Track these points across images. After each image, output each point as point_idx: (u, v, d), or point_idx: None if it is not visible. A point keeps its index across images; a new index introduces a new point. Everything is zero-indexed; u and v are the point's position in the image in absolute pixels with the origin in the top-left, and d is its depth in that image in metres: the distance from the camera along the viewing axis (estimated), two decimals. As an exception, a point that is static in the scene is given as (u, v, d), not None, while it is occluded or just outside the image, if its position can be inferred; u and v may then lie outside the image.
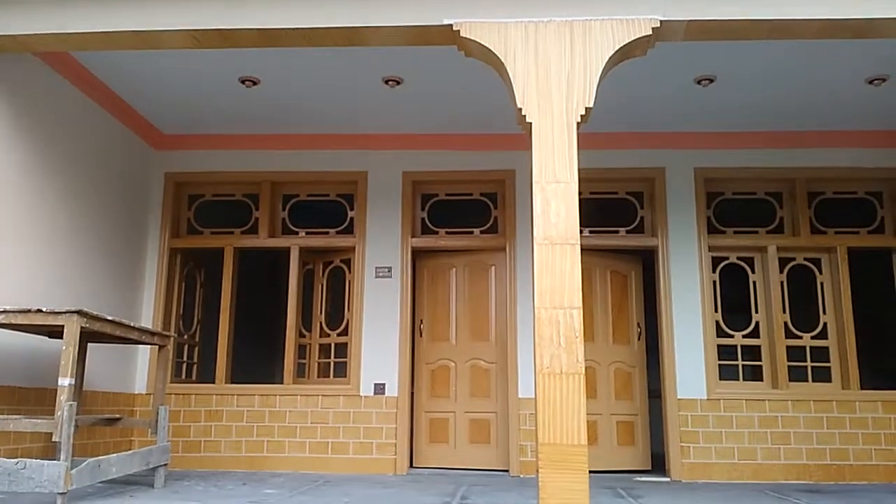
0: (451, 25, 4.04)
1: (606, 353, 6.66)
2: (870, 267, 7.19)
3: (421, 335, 6.83)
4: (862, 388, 6.31)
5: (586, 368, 6.50)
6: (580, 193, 6.72)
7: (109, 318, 4.31)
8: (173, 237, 6.90)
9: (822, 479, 6.05)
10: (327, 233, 6.92)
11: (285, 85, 5.93)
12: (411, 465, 6.52)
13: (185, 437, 6.44)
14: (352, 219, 6.89)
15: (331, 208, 7.05)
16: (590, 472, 6.11)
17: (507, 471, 6.33)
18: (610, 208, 6.87)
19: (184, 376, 6.98)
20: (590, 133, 6.52)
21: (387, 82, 5.84)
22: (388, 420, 6.37)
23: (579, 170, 6.51)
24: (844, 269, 6.48)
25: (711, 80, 5.73)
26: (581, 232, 6.67)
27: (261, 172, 6.92)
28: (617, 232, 6.75)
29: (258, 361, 8.44)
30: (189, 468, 6.28)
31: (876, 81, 5.69)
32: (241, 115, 6.51)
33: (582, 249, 6.59)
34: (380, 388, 6.42)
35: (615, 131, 6.71)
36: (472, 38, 4.03)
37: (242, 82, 5.88)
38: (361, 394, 6.43)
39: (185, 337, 7.08)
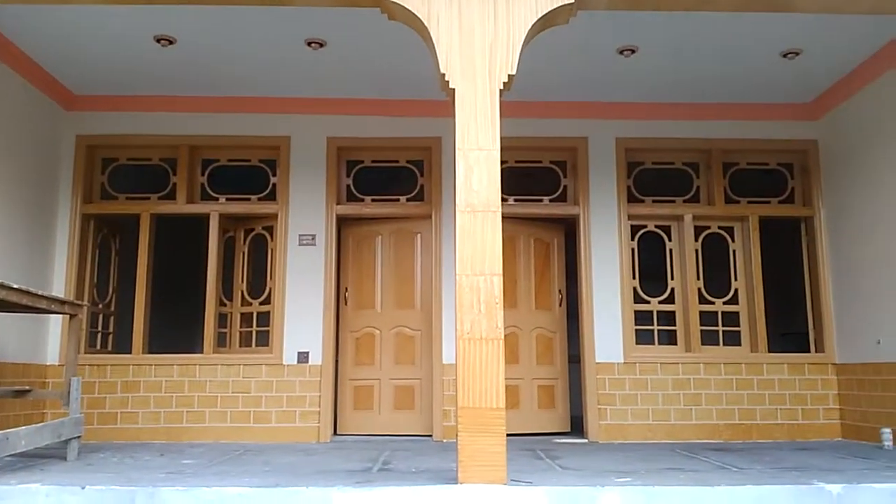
0: (374, -13, 3.97)
1: (529, 318, 6.78)
2: (780, 235, 7.49)
3: (346, 303, 6.79)
4: (769, 352, 6.62)
5: (509, 334, 6.61)
6: (505, 162, 6.77)
7: (15, 286, 4.12)
8: (86, 203, 6.63)
9: (731, 438, 6.35)
10: (249, 199, 6.77)
11: (203, 45, 5.72)
12: (335, 433, 6.52)
13: (101, 409, 6.26)
14: (274, 185, 6.75)
15: (252, 174, 6.89)
16: (511, 434, 6.23)
17: (430, 436, 6.40)
18: (534, 177, 6.94)
19: (99, 346, 6.76)
20: (515, 101, 6.52)
21: (310, 44, 5.71)
22: (311, 388, 6.34)
23: (504, 138, 6.54)
24: (755, 237, 6.75)
25: (633, 51, 5.82)
26: (506, 200, 6.70)
27: (178, 136, 6.69)
28: (541, 200, 6.83)
29: (178, 331, 8.24)
30: (105, 440, 6.12)
31: (790, 55, 5.88)
32: (156, 75, 6.26)
33: (506, 217, 6.58)
34: (303, 357, 6.37)
35: (540, 100, 6.75)
36: (395, 0, 3.96)
37: (158, 41, 5.66)
38: (284, 362, 6.36)
39: (100, 306, 6.85)
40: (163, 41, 5.64)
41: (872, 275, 5.99)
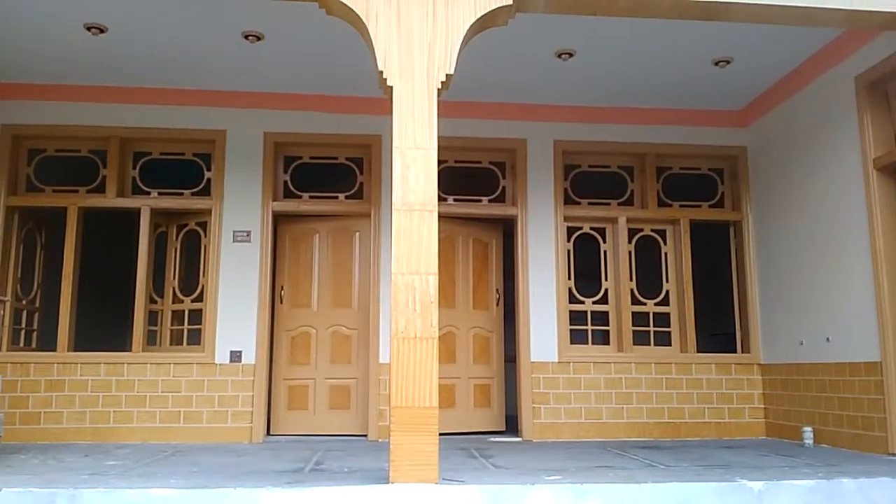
0: (311, -19, 3.92)
1: (466, 318, 6.80)
2: (711, 238, 7.70)
3: (281, 302, 6.70)
4: (698, 352, 6.79)
5: (446, 333, 6.62)
6: (445, 161, 6.79)
7: (-73, 280, 3.93)
8: (10, 195, 6.39)
9: (660, 437, 6.49)
10: (182, 194, 6.61)
11: (136, 35, 5.56)
12: (268, 433, 6.42)
13: (23, 409, 6.03)
14: (209, 179, 6.61)
15: (186, 168, 6.72)
16: (446, 433, 6.26)
17: (365, 436, 6.36)
18: (474, 177, 6.97)
19: (22, 344, 6.51)
20: (455, 101, 6.55)
21: (247, 37, 5.61)
22: (244, 388, 6.23)
23: (444, 137, 6.52)
24: (686, 240, 6.92)
25: (571, 55, 5.90)
26: (445, 200, 6.74)
27: (109, 127, 6.49)
28: (480, 201, 6.87)
29: (106, 329, 8.00)
30: (27, 441, 5.88)
31: (721, 63, 6.05)
32: (86, 64, 6.06)
33: (446, 217, 6.68)
34: (236, 356, 6.26)
35: (480, 101, 6.78)
36: (333, -5, 3.93)
37: (88, 29, 5.47)
38: (216, 361, 6.24)
39: (24, 302, 6.59)
40: (93, 29, 5.47)
41: (795, 278, 6.21)
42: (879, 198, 5.23)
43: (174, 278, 6.65)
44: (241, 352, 6.27)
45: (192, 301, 6.53)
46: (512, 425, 6.81)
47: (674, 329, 6.89)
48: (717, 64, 6.05)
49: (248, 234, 6.44)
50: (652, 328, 6.88)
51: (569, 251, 6.83)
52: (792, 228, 6.28)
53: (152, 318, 6.56)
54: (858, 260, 5.40)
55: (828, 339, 5.76)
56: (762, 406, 6.65)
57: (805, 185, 6.09)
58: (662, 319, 6.93)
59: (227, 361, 6.25)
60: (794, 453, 5.29)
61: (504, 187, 6.95)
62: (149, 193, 6.59)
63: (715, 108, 6.98)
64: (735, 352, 6.90)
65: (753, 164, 6.94)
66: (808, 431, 5.76)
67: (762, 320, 6.74)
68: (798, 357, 6.15)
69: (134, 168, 6.64)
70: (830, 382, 5.71)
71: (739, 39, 5.63)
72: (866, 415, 5.30)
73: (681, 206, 7.04)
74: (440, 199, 6.70)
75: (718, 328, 8.06)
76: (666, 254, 7.02)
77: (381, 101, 6.53)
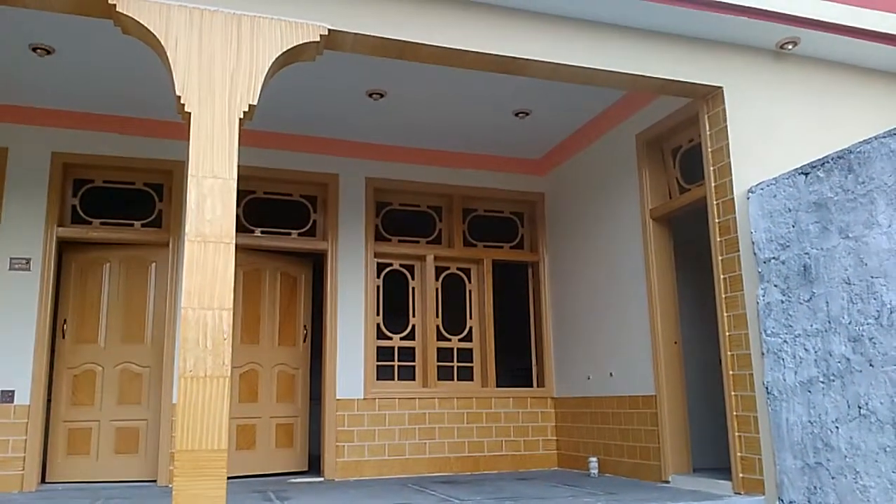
0: (107, -3, 3.71)
1: (271, 355, 6.61)
2: (514, 278, 8.07)
3: (63, 336, 6.14)
4: (498, 386, 7.06)
5: (248, 371, 6.40)
6: (253, 192, 6.63)
7: None
8: None
9: (460, 471, 6.63)
10: (-51, 215, 5.94)
11: None
12: (44, 481, 5.82)
13: None
14: (-17, 201, 5.99)
15: (-44, 187, 6.05)
16: (245, 476, 6.04)
17: (155, 481, 5.95)
18: (284, 210, 6.85)
19: None
20: (267, 132, 6.46)
21: (35, 50, 5.18)
22: (16, 431, 5.62)
23: (254, 167, 6.42)
24: (489, 279, 7.21)
25: (382, 95, 6.00)
26: (252, 231, 6.56)
27: None
28: (289, 234, 6.75)
29: None
30: None
31: (521, 115, 6.43)
32: None
33: (253, 250, 6.51)
34: (8, 396, 5.64)
35: (293, 133, 6.72)
36: (129, 14, 3.76)
37: None
38: (-17, 402, 5.60)
39: None
40: None
41: (584, 316, 6.65)
42: (655, 245, 5.75)
43: (-65, 309, 5.90)
44: (13, 391, 5.67)
45: (-44, 335, 5.84)
46: (315, 465, 6.67)
47: (476, 364, 7.12)
48: (517, 115, 6.42)
49: (28, 261, 5.87)
50: (456, 363, 7.06)
51: (378, 287, 6.88)
52: (581, 271, 6.73)
53: None
54: (637, 301, 5.89)
55: (611, 374, 6.20)
56: (555, 438, 7.01)
57: (593, 231, 6.58)
58: (466, 355, 7.13)
59: (-4, 402, 5.63)
60: (579, 483, 5.60)
61: (315, 221, 6.89)
62: None
63: (516, 156, 7.40)
64: (532, 386, 7.24)
65: (550, 210, 7.39)
66: (593, 461, 6.13)
67: (556, 356, 7.13)
68: (586, 391, 6.56)
69: None
70: (613, 415, 6.14)
71: (537, 94, 6.01)
72: (643, 445, 5.74)
73: (484, 246, 7.34)
74: (247, 230, 6.53)
75: (519, 363, 8.43)
76: (470, 291, 7.26)
77: (183, 126, 6.26)
